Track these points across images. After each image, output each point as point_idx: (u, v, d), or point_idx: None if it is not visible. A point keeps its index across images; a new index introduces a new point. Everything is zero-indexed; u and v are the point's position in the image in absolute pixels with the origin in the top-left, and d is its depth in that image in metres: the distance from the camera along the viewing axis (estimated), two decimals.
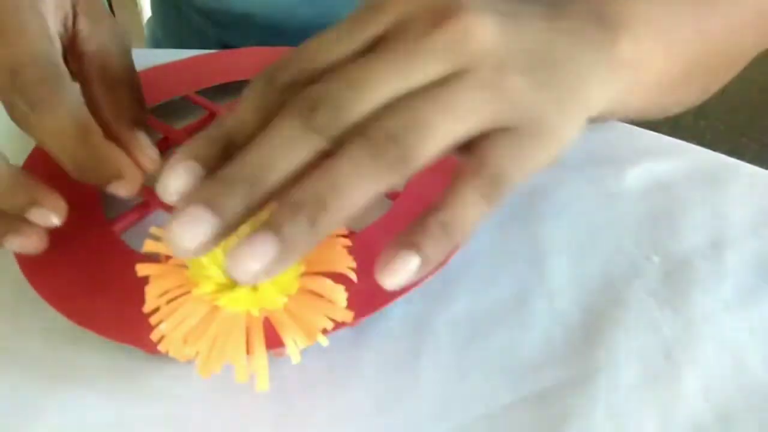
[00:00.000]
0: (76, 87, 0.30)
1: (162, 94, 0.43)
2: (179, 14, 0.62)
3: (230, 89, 0.44)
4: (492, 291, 0.32)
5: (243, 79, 0.44)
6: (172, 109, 0.43)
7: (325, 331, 0.27)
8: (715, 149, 0.40)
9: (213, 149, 0.23)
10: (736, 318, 0.31)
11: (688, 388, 0.29)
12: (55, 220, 0.30)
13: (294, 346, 0.26)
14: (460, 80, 0.24)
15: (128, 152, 0.32)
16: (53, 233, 0.33)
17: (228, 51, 0.47)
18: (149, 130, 0.34)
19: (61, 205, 0.30)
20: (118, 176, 0.30)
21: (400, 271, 0.22)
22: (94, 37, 0.34)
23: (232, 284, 0.27)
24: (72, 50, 0.34)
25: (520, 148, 0.24)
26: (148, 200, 0.36)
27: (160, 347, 0.26)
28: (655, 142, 0.40)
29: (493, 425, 0.27)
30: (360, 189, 0.21)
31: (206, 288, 0.26)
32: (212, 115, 0.42)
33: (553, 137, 0.26)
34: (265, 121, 0.23)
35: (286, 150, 0.22)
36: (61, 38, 0.34)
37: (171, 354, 0.26)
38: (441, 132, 0.22)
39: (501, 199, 0.24)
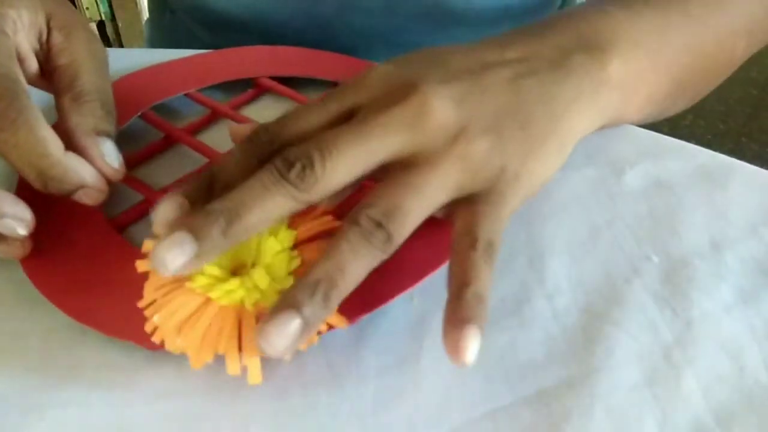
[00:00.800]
0: (33, 104, 0.30)
1: (163, 92, 0.43)
2: (174, 20, 0.62)
3: (232, 87, 0.44)
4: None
5: (245, 78, 0.44)
6: (174, 107, 0.43)
7: (320, 331, 0.27)
8: (715, 149, 0.40)
9: (198, 189, 0.27)
10: (736, 318, 0.31)
11: (688, 388, 0.29)
12: (21, 231, 0.30)
13: None
14: (426, 161, 0.27)
15: (91, 162, 0.33)
16: (53, 231, 0.33)
17: (230, 49, 0.47)
18: (142, 138, 0.35)
19: (27, 215, 0.30)
20: (80, 186, 0.31)
21: (467, 346, 0.25)
22: (66, 51, 0.35)
23: (226, 277, 0.27)
24: (46, 65, 0.35)
25: (495, 206, 0.28)
26: (148, 198, 0.36)
27: (154, 338, 0.26)
28: (655, 142, 0.40)
29: (493, 425, 0.27)
30: (359, 266, 0.26)
31: (200, 281, 0.26)
32: (214, 113, 0.42)
33: (521, 186, 0.29)
34: (245, 170, 0.27)
35: (262, 195, 0.26)
36: (37, 54, 0.35)
37: (165, 345, 0.27)
38: (415, 213, 0.27)
39: (497, 255, 0.28)
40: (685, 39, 0.36)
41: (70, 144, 0.32)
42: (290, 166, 0.26)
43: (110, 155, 0.33)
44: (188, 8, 0.58)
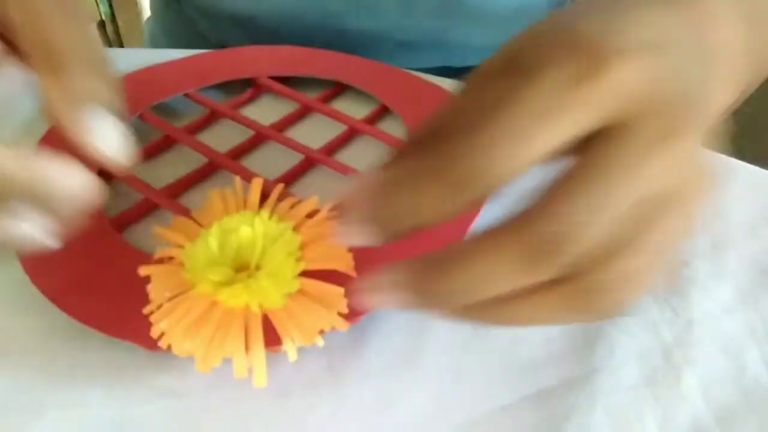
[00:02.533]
0: None
1: (163, 92, 0.43)
2: (180, 14, 0.62)
3: (232, 87, 0.44)
4: None
5: (244, 78, 0.44)
6: (173, 107, 0.43)
7: (322, 330, 0.27)
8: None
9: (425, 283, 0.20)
10: (736, 318, 0.31)
11: (688, 388, 0.29)
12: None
13: (291, 344, 0.27)
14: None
15: (81, 150, 0.24)
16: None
17: (229, 50, 0.47)
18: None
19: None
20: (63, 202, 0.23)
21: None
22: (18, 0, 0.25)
23: (231, 281, 0.27)
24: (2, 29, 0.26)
25: None
26: (148, 197, 0.36)
27: (161, 343, 0.26)
28: None
29: (493, 425, 0.27)
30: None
31: (205, 286, 0.26)
32: (213, 113, 0.42)
33: None
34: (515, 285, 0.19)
35: (500, 282, 0.19)
36: None
37: (172, 349, 0.27)
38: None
39: None
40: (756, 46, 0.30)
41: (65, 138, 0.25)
42: (544, 253, 0.18)
43: (105, 132, 0.24)
44: (197, 3, 0.58)
